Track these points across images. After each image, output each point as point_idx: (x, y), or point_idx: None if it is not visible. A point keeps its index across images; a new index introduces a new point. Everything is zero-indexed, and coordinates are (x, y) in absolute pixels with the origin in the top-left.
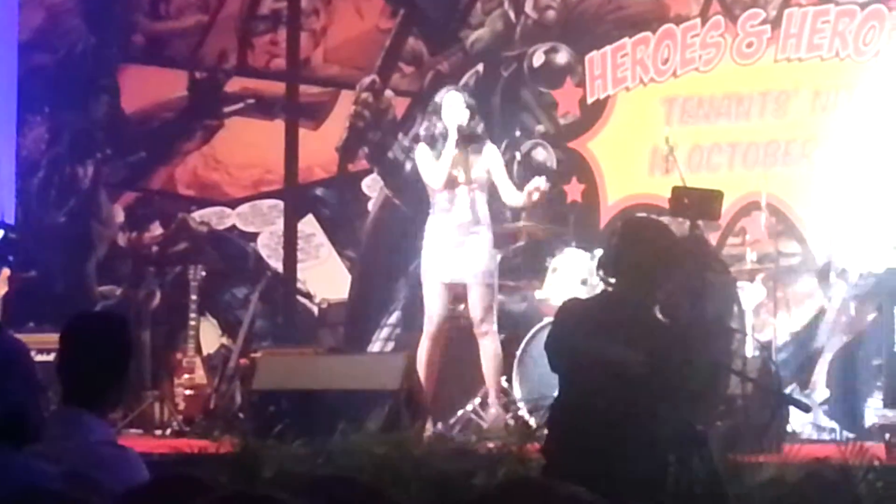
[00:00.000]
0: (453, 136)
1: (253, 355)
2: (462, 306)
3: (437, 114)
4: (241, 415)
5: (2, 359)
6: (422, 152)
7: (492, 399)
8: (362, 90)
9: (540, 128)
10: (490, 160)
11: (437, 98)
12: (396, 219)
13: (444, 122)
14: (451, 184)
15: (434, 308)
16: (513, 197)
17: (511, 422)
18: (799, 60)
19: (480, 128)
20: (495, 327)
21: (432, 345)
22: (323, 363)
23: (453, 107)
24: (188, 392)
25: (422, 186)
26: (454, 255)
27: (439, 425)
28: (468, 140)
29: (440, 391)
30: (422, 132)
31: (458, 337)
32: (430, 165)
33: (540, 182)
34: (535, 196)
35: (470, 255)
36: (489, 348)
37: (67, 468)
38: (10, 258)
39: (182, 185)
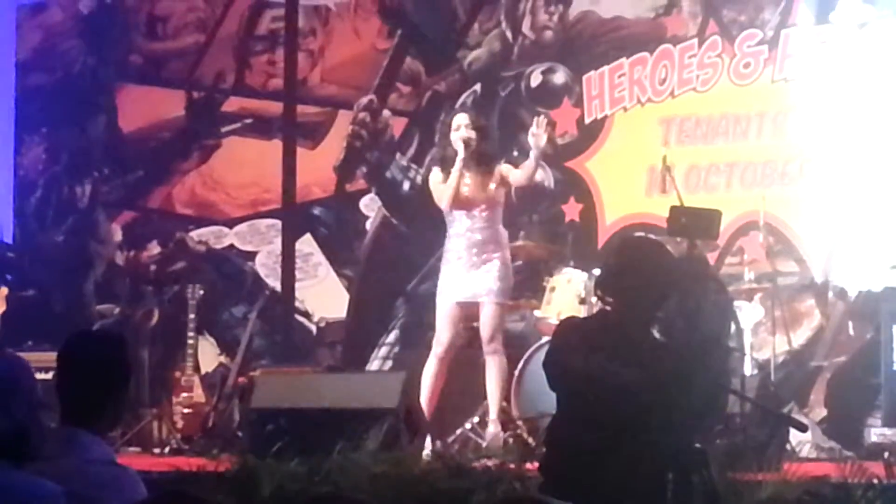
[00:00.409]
0: (461, 157)
1: (251, 374)
2: (475, 324)
3: (447, 136)
4: (239, 433)
5: (4, 377)
6: (433, 175)
7: (492, 417)
8: (360, 110)
9: None
10: (504, 181)
11: (448, 119)
12: (394, 238)
13: (453, 144)
14: (464, 204)
15: (444, 329)
16: (523, 173)
17: (510, 440)
18: (796, 80)
19: (492, 148)
20: (502, 348)
21: (439, 365)
22: (321, 382)
23: (461, 127)
24: (186, 410)
25: (419, 205)
26: (469, 274)
27: (438, 444)
28: (479, 160)
29: (439, 409)
30: (434, 155)
31: (456, 355)
32: (439, 187)
33: (537, 123)
34: (543, 140)
35: (484, 274)
36: (496, 367)
37: (68, 487)
38: (9, 277)
39: (180, 205)
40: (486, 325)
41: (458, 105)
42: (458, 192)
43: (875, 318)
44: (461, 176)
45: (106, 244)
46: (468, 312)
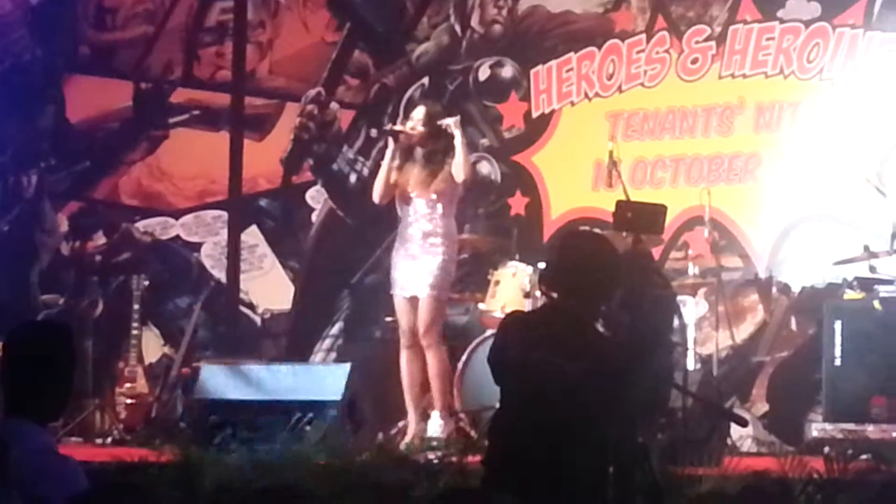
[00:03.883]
0: (391, 148)
1: (195, 365)
2: None
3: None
4: (182, 424)
5: None
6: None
7: (435, 410)
8: (307, 102)
9: (484, 141)
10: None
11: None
12: (340, 231)
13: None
14: (407, 197)
15: (403, 321)
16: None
17: (452, 433)
18: (743, 77)
19: (442, 142)
20: (439, 340)
21: (408, 356)
22: (265, 373)
23: (410, 121)
24: (129, 401)
25: (365, 198)
26: (410, 267)
27: (380, 435)
28: (428, 158)
29: (382, 401)
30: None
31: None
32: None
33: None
34: (458, 138)
35: (423, 267)
36: (433, 361)
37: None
38: None
39: (126, 195)
40: (421, 318)
41: (405, 98)
42: (391, 185)
43: (817, 314)
44: (393, 168)
45: (52, 234)
46: (416, 304)
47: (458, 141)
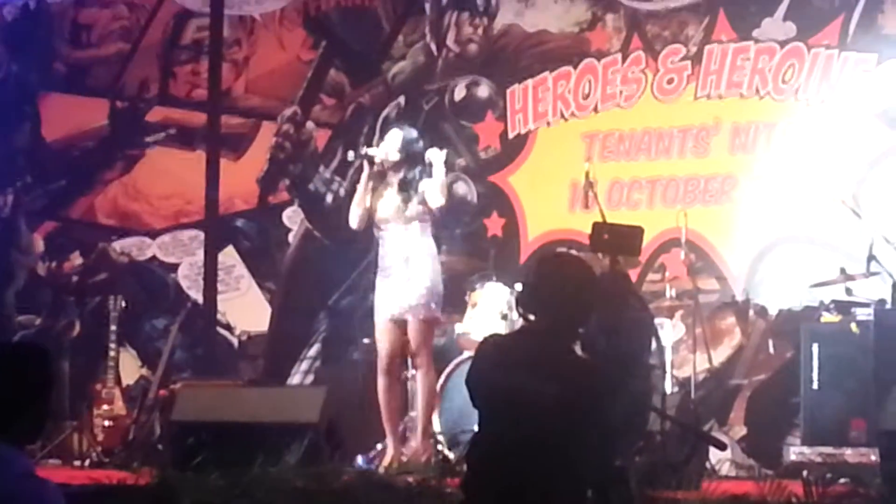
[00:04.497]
0: (365, 172)
1: (172, 387)
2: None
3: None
4: (159, 446)
5: None
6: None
7: (417, 433)
8: (283, 122)
9: (461, 161)
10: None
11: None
12: (317, 251)
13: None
14: (383, 222)
15: (382, 344)
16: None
17: (431, 456)
18: (719, 97)
19: (417, 169)
20: (430, 362)
21: (386, 380)
22: (242, 395)
23: (385, 145)
24: (107, 423)
25: (341, 218)
26: (398, 290)
27: (359, 458)
28: (402, 185)
29: (360, 424)
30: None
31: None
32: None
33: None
34: (440, 170)
35: (411, 290)
36: (422, 382)
37: None
38: None
39: (102, 215)
40: (412, 340)
41: (381, 117)
42: (367, 210)
43: (795, 337)
44: (367, 193)
45: (27, 254)
46: (402, 327)
47: (439, 170)
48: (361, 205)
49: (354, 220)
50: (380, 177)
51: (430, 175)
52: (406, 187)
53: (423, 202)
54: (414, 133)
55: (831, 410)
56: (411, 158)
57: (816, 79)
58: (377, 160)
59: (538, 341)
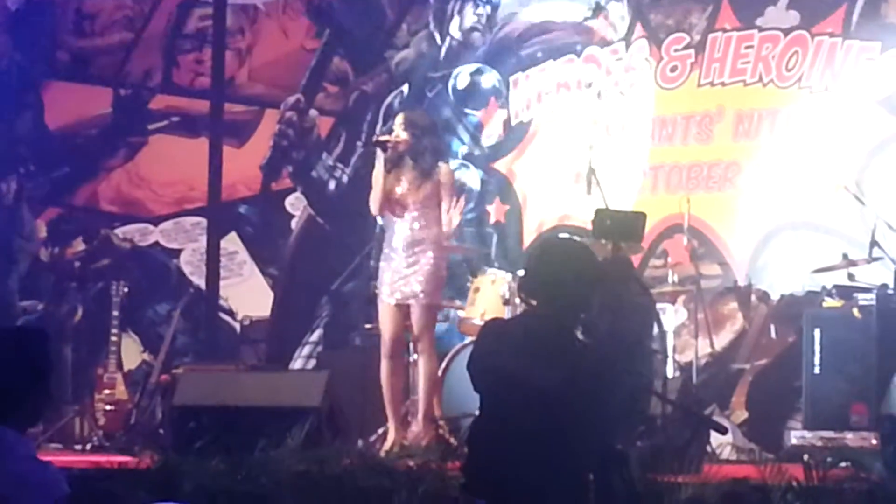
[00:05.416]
0: (379, 159)
1: (174, 371)
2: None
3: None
4: (161, 430)
5: None
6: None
7: (419, 417)
8: (287, 109)
9: (464, 149)
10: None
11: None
12: (319, 237)
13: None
14: (397, 207)
15: (385, 329)
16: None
17: (432, 440)
18: (722, 85)
19: (429, 152)
20: (433, 347)
21: (389, 365)
22: (244, 380)
23: (393, 128)
24: (109, 407)
25: (344, 205)
26: (402, 274)
27: (360, 442)
28: (415, 158)
29: (362, 408)
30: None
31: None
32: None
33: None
34: (455, 219)
35: (414, 275)
36: (424, 368)
37: None
38: None
39: (105, 202)
40: (414, 325)
41: (385, 104)
42: (385, 195)
43: (796, 322)
44: (385, 178)
45: (30, 240)
46: (405, 312)
47: (453, 222)
48: (382, 189)
49: (375, 206)
50: (394, 160)
51: (441, 147)
52: (420, 160)
53: (439, 184)
54: (417, 110)
55: (832, 395)
56: (420, 131)
57: (820, 67)
58: (389, 144)
59: (540, 326)
